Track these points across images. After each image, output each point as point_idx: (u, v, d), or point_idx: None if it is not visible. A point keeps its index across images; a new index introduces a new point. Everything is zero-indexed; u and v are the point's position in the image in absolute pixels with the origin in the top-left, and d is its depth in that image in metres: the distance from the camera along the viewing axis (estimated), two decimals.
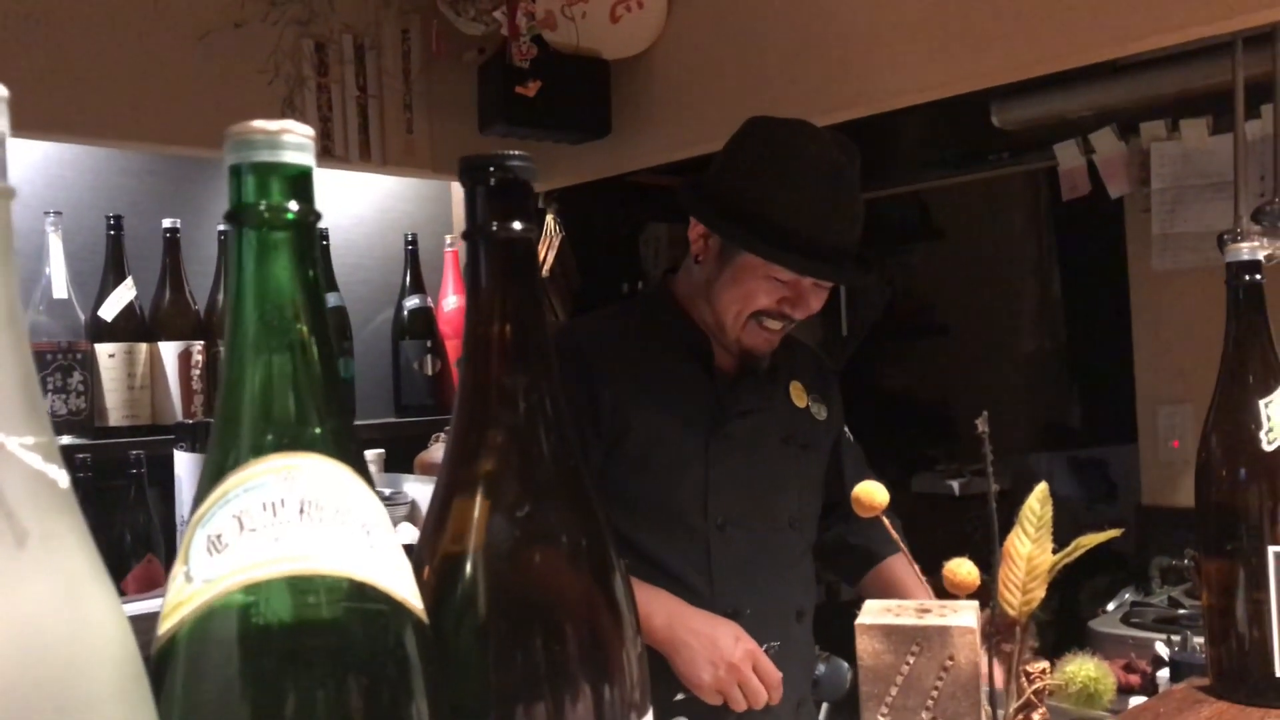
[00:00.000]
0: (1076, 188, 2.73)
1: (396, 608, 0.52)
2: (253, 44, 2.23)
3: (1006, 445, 3.61)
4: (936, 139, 3.06)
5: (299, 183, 0.53)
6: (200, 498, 0.51)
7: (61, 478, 0.42)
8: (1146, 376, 2.93)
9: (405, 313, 2.77)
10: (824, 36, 2.29)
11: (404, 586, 0.52)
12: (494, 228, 0.61)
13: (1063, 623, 3.01)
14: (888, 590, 1.89)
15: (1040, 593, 0.93)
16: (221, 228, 2.51)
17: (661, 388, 1.73)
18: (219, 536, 0.49)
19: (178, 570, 0.50)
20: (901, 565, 1.92)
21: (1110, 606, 2.69)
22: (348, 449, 0.53)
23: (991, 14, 2.05)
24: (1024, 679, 0.95)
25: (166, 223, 2.40)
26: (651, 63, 2.57)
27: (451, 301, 2.81)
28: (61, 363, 2.21)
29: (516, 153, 0.62)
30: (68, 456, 1.88)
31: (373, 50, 2.47)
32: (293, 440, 0.51)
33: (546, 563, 0.59)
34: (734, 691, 1.56)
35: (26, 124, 2.02)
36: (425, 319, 2.78)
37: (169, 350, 2.39)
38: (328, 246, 2.64)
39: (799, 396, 1.86)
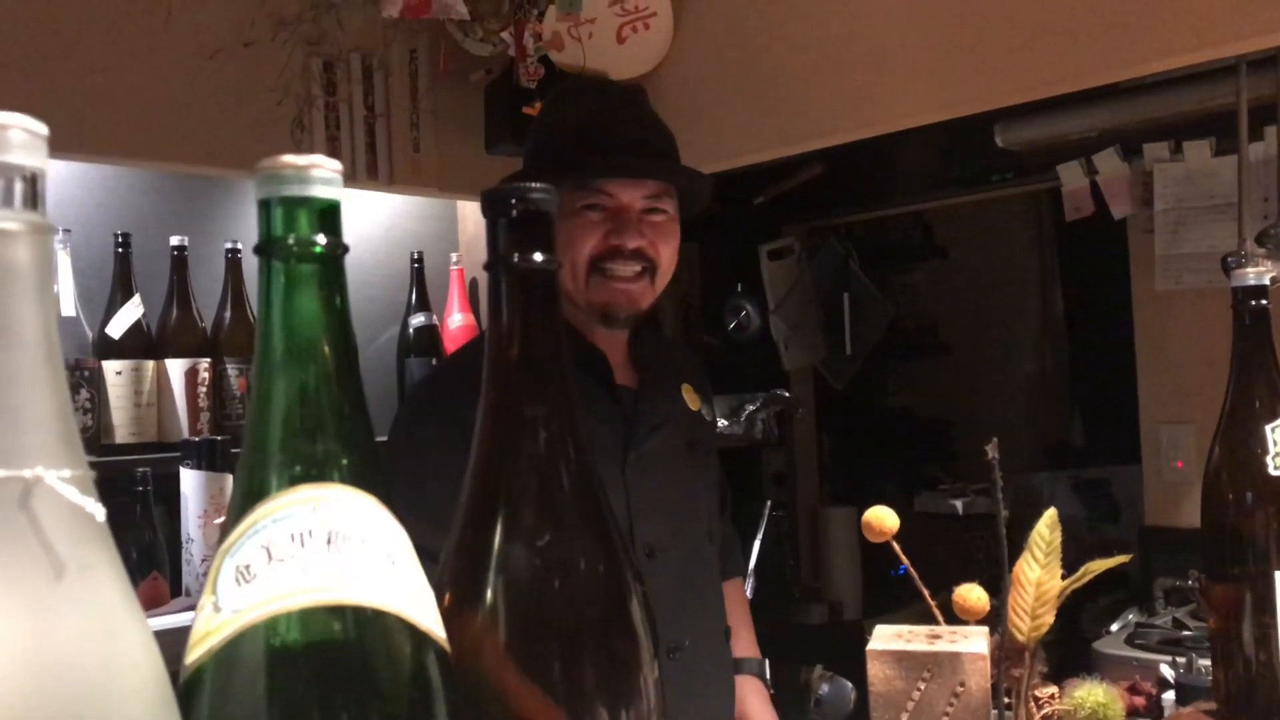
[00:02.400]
0: (1080, 208, 2.74)
1: (421, 638, 0.52)
2: (262, 64, 2.24)
3: (1008, 466, 3.60)
4: (940, 159, 3.07)
5: (327, 216, 0.54)
6: (229, 528, 0.52)
7: (99, 511, 0.43)
8: (1149, 397, 2.93)
9: (411, 330, 2.78)
10: (829, 58, 2.31)
11: (428, 616, 0.53)
12: (515, 259, 0.62)
13: (1067, 644, 3.01)
14: None
15: (1049, 618, 0.93)
16: (228, 246, 2.52)
17: None
18: (248, 567, 0.50)
19: (205, 600, 0.51)
20: (732, 593, 1.89)
21: (1114, 627, 2.69)
22: (374, 479, 0.54)
23: (996, 37, 2.06)
24: (1033, 704, 0.95)
25: (174, 240, 2.41)
26: (658, 83, 2.58)
27: (457, 319, 2.82)
28: (69, 380, 2.21)
29: (538, 185, 0.63)
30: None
31: (380, 70, 2.48)
32: (320, 472, 0.52)
33: (565, 590, 0.60)
34: None
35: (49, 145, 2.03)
36: (430, 337, 2.79)
37: (176, 368, 2.39)
38: None
39: (692, 399, 1.76)
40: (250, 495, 0.52)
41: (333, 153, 2.41)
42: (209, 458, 2.36)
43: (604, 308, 1.60)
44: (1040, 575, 0.94)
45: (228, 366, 2.48)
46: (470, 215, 2.94)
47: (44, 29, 2.02)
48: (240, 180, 2.59)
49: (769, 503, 2.87)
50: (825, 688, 2.72)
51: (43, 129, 0.46)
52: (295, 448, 0.52)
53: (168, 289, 2.43)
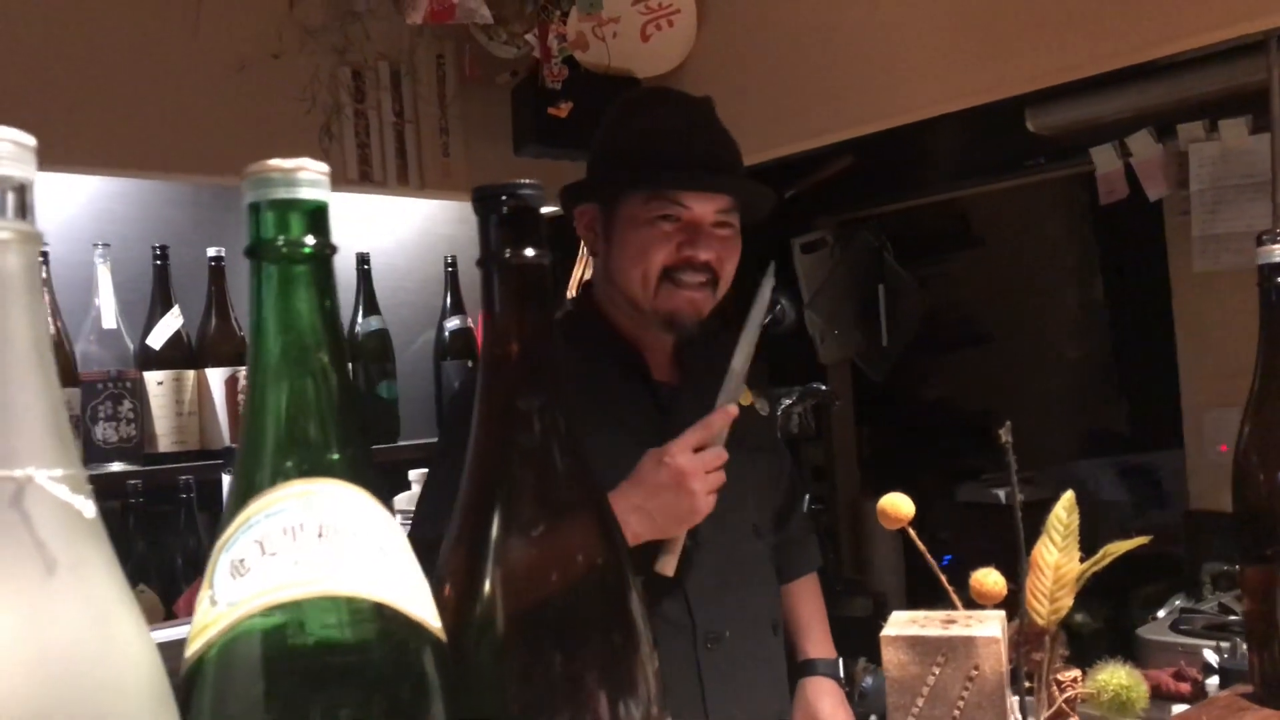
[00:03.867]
0: (1114, 191, 2.71)
1: (414, 627, 0.53)
2: (291, 74, 2.27)
3: (1051, 453, 3.57)
4: (971, 146, 3.05)
5: (315, 218, 0.56)
6: (225, 523, 0.53)
7: (87, 508, 0.44)
8: (1191, 380, 2.89)
9: (446, 334, 2.80)
10: (855, 48, 2.30)
11: (421, 606, 0.54)
12: (507, 255, 0.63)
13: (1114, 631, 2.98)
14: (782, 615, 1.84)
15: (1068, 601, 0.93)
16: None
17: (601, 411, 1.63)
18: (241, 561, 0.51)
19: (203, 594, 0.52)
20: (805, 590, 1.89)
21: (1161, 613, 2.66)
22: (366, 473, 0.55)
23: (1021, 21, 2.04)
24: (1055, 688, 0.95)
25: (211, 251, 2.45)
26: (683, 79, 2.59)
27: None
28: (112, 391, 2.26)
29: (527, 181, 0.64)
30: (119, 483, 1.91)
31: (408, 76, 2.51)
32: (312, 466, 0.53)
33: (563, 581, 0.61)
34: (701, 482, 1.47)
35: (75, 160, 2.07)
36: (466, 340, 2.81)
37: (215, 376, 2.43)
38: (369, 271, 2.68)
39: (744, 395, 1.74)
40: (245, 491, 0.53)
41: (363, 160, 2.44)
42: None
43: (671, 316, 1.64)
44: (1058, 558, 0.94)
45: None
46: None
47: (78, 50, 2.06)
48: None
49: (807, 497, 2.86)
50: (869, 680, 2.71)
51: (30, 141, 0.47)
52: (288, 445, 0.53)
53: (206, 299, 2.47)
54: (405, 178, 2.53)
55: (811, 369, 3.36)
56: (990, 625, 0.86)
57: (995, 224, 3.68)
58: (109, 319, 2.29)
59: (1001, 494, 3.32)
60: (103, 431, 2.24)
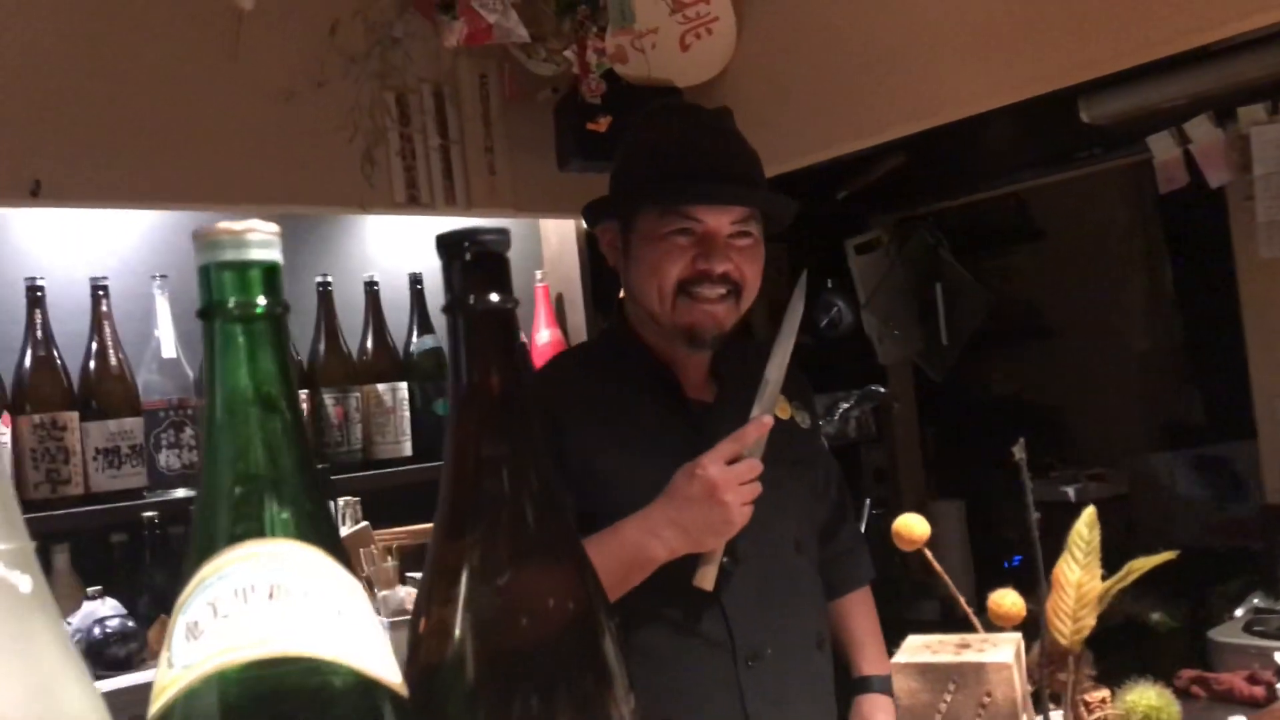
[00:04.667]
0: (1173, 180, 2.63)
1: (370, 684, 0.53)
2: (335, 101, 2.31)
3: (1123, 446, 3.49)
4: (1024, 139, 2.99)
5: (266, 278, 0.56)
6: (183, 584, 0.54)
7: (23, 583, 0.45)
8: (1261, 369, 2.80)
9: None
10: (898, 46, 2.27)
11: (377, 663, 0.54)
12: (471, 300, 0.63)
13: (1192, 632, 2.90)
14: (834, 631, 1.82)
15: (1091, 620, 0.90)
16: (319, 279, 2.60)
17: (635, 429, 1.63)
18: (195, 623, 0.52)
19: (163, 655, 0.53)
20: (857, 604, 1.86)
21: (1239, 613, 2.58)
22: (320, 530, 0.55)
23: (1069, 8, 2.00)
24: (1083, 709, 0.93)
25: None
26: (723, 87, 2.58)
27: (544, 336, 2.86)
28: (173, 419, 2.31)
29: (490, 227, 0.64)
30: (184, 509, 1.96)
31: (452, 98, 2.53)
32: (262, 527, 0.54)
33: (532, 630, 0.61)
34: (735, 493, 1.46)
35: (133, 195, 2.12)
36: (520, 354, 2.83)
37: (305, 420, 2.47)
38: (422, 291, 2.72)
39: (782, 408, 1.73)
40: (202, 552, 0.54)
41: (410, 183, 2.47)
42: None
43: (689, 329, 1.63)
44: (1080, 576, 0.91)
45: (325, 397, 2.56)
46: (553, 232, 2.98)
47: (131, 90, 2.11)
48: (326, 216, 2.68)
49: (868, 501, 2.83)
50: None
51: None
52: (240, 505, 0.54)
53: None
54: (452, 198, 2.56)
55: (871, 371, 3.32)
56: (1003, 650, 0.84)
57: (1055, 216, 3.60)
58: (169, 348, 2.34)
59: (1071, 491, 3.25)
60: (166, 459, 2.29)
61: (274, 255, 0.56)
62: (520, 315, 2.64)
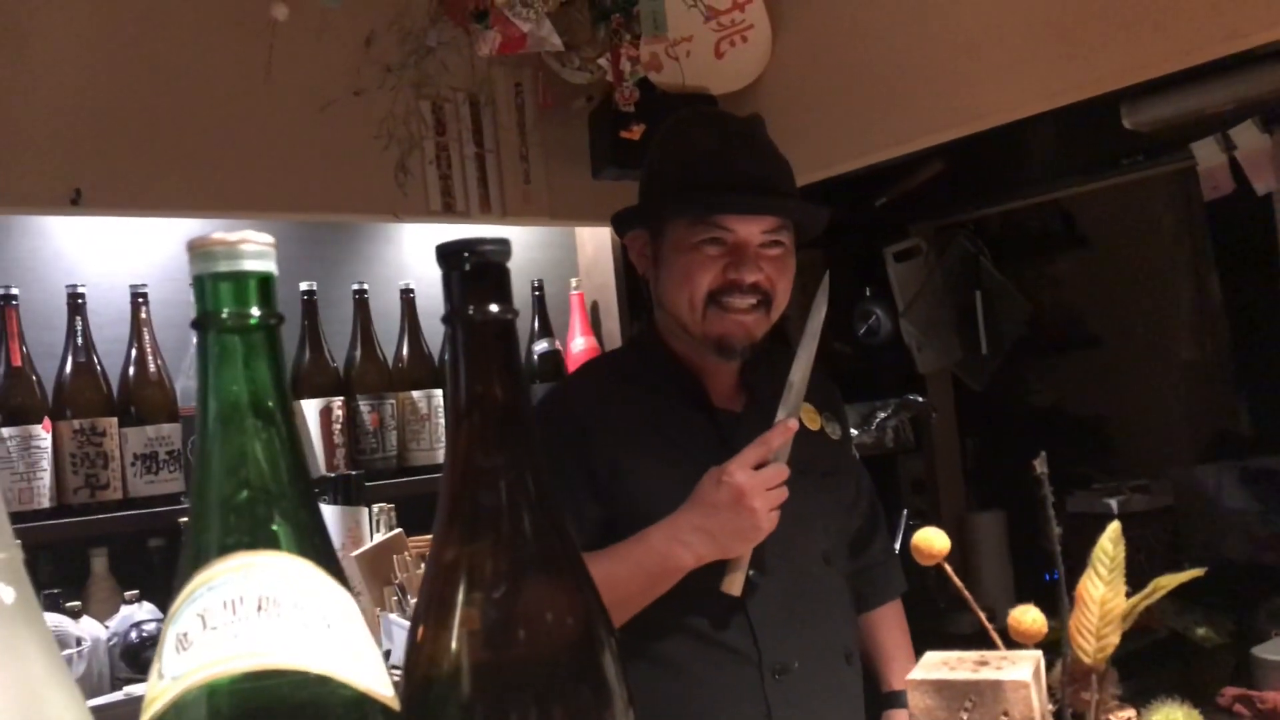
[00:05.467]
0: (1218, 187, 2.58)
1: (359, 698, 0.53)
2: (371, 110, 2.32)
3: (1168, 458, 3.42)
4: (1065, 146, 2.95)
5: (260, 289, 0.56)
6: (174, 595, 0.54)
7: (7, 594, 0.45)
8: None
9: (535, 357, 2.83)
10: (935, 52, 2.24)
11: (367, 675, 0.54)
12: (470, 311, 0.63)
13: (1237, 648, 2.83)
14: (865, 645, 1.80)
15: (1115, 638, 0.88)
16: (355, 287, 2.62)
17: (663, 440, 1.63)
18: (185, 635, 0.52)
19: (154, 667, 0.53)
20: (888, 618, 1.84)
21: None
22: (312, 542, 0.55)
23: (1109, 13, 1.97)
24: None
25: (303, 286, 2.52)
26: (758, 95, 2.57)
27: (580, 343, 2.86)
28: None
29: (490, 238, 0.63)
30: None
31: (487, 107, 2.54)
32: (253, 538, 0.53)
33: (529, 644, 0.60)
34: (762, 499, 1.46)
35: (175, 204, 2.15)
36: (554, 361, 2.83)
37: (311, 407, 2.50)
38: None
39: (811, 419, 1.72)
40: (193, 563, 0.54)
41: (445, 191, 2.48)
42: (344, 492, 2.46)
43: (720, 340, 1.62)
44: (1104, 593, 0.89)
45: (360, 404, 2.58)
46: (588, 241, 2.98)
47: (170, 100, 2.13)
48: (362, 224, 2.70)
49: (905, 512, 2.80)
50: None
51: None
52: (231, 516, 0.54)
53: (300, 333, 2.54)
54: (488, 206, 2.56)
55: (909, 380, 3.29)
56: (1022, 668, 0.82)
57: (1099, 224, 3.54)
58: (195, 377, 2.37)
59: (1114, 503, 3.20)
60: None
61: (268, 266, 0.56)
62: (556, 324, 2.64)
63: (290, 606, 0.52)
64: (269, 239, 0.56)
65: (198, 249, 0.55)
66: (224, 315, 0.55)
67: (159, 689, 0.52)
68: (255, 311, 0.56)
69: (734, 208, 1.58)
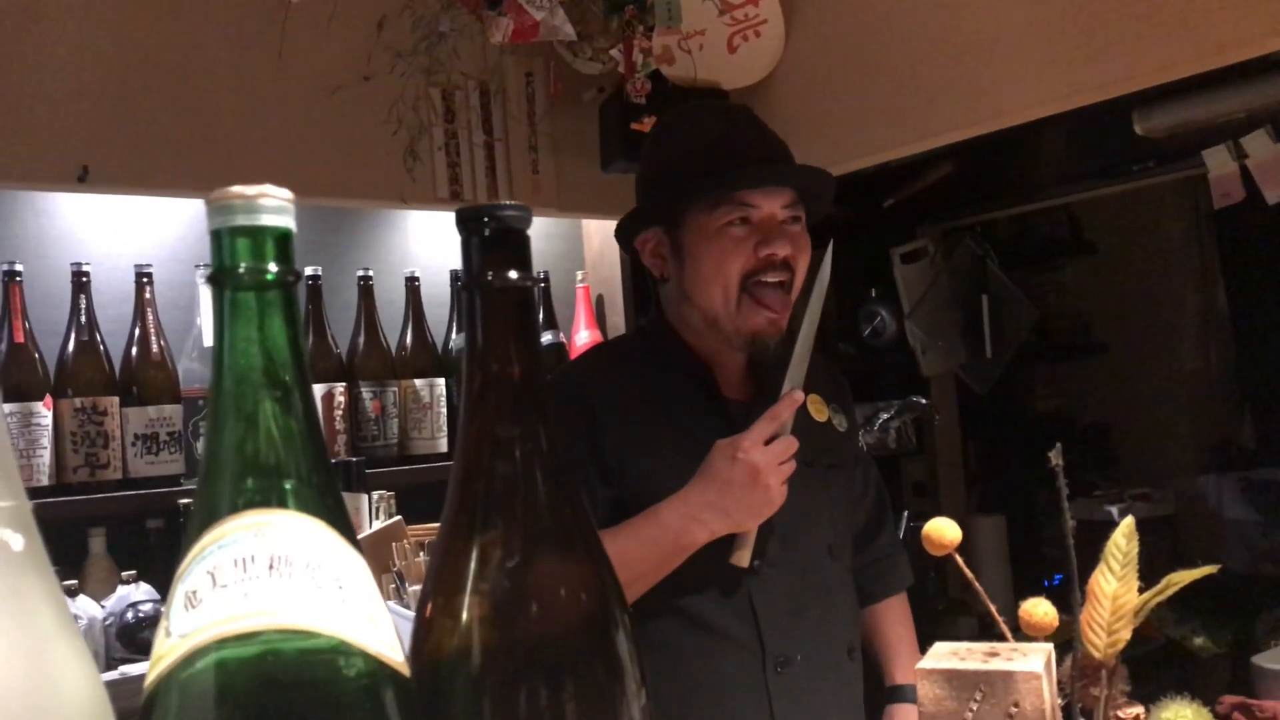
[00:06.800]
0: (1229, 195, 2.57)
1: (368, 660, 0.52)
2: (381, 96, 2.31)
3: (1170, 467, 3.42)
4: (1076, 151, 2.94)
5: (278, 244, 0.55)
6: (183, 553, 0.53)
7: (15, 541, 0.44)
8: None
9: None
10: (947, 51, 2.23)
11: (377, 639, 0.53)
12: (490, 277, 0.62)
13: (1235, 657, 2.83)
14: (868, 638, 1.79)
15: (1126, 634, 0.87)
16: (360, 273, 2.61)
17: (670, 426, 1.62)
18: (194, 592, 0.51)
19: (161, 625, 0.52)
20: (892, 611, 1.83)
21: None
22: (325, 503, 0.54)
23: (1123, 16, 1.96)
24: None
25: (308, 271, 2.51)
26: (771, 90, 2.56)
27: (584, 336, 2.85)
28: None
29: (511, 203, 0.62)
30: None
31: (497, 95, 2.53)
32: (265, 497, 0.52)
33: (543, 617, 0.59)
34: (776, 475, 1.46)
35: (182, 184, 2.14)
36: (559, 354, 2.82)
37: (314, 392, 2.49)
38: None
39: (818, 410, 1.72)
40: (203, 521, 0.53)
41: (454, 179, 2.47)
42: (346, 478, 2.45)
43: (753, 336, 1.61)
44: (1116, 588, 0.88)
45: (362, 390, 2.57)
46: (595, 233, 2.97)
47: (178, 80, 2.12)
48: (369, 210, 2.69)
49: (905, 514, 2.79)
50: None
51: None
52: (244, 474, 0.53)
53: (304, 318, 2.53)
54: (496, 195, 2.55)
55: (913, 382, 3.28)
56: (1033, 659, 0.81)
57: (1107, 230, 3.54)
58: (210, 337, 2.36)
59: (1115, 510, 3.19)
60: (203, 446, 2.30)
61: (287, 221, 0.55)
62: (561, 316, 2.62)
63: (302, 566, 0.51)
64: (288, 194, 0.55)
65: (215, 202, 0.54)
66: (240, 270, 0.54)
67: (166, 646, 0.51)
68: (273, 267, 0.54)
69: (760, 180, 1.58)
